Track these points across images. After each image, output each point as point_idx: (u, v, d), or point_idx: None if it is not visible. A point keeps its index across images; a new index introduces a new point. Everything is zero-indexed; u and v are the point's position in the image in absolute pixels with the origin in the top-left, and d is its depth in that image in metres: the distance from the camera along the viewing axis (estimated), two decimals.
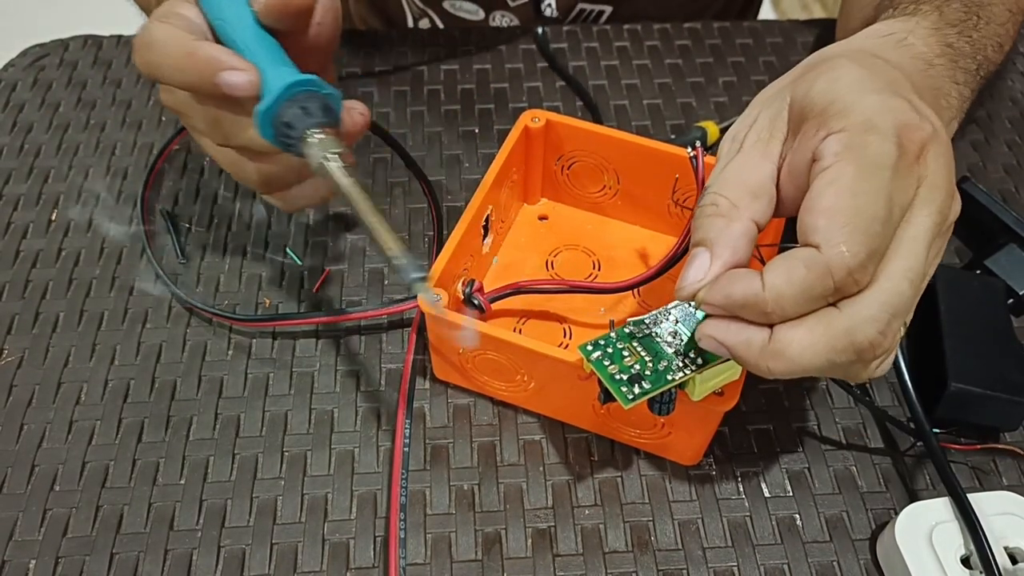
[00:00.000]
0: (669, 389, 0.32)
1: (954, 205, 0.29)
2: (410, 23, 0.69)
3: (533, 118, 0.43)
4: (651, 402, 0.32)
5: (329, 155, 0.32)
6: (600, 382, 0.32)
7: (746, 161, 0.30)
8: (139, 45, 0.33)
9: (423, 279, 0.31)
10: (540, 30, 0.58)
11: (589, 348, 0.33)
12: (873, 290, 0.27)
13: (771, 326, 0.28)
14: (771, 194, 0.30)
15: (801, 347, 0.27)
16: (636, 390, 0.31)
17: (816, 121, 0.29)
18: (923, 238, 0.28)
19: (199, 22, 0.35)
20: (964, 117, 0.38)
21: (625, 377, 0.32)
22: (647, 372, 0.32)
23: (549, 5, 0.62)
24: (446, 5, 0.65)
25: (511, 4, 0.64)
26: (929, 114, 0.29)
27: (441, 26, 0.66)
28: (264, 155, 0.35)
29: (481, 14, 0.65)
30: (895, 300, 0.27)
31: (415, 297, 0.37)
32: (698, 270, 0.29)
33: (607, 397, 0.32)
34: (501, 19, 0.64)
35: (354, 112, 0.37)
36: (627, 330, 0.33)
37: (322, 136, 0.32)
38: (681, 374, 0.32)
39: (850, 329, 0.27)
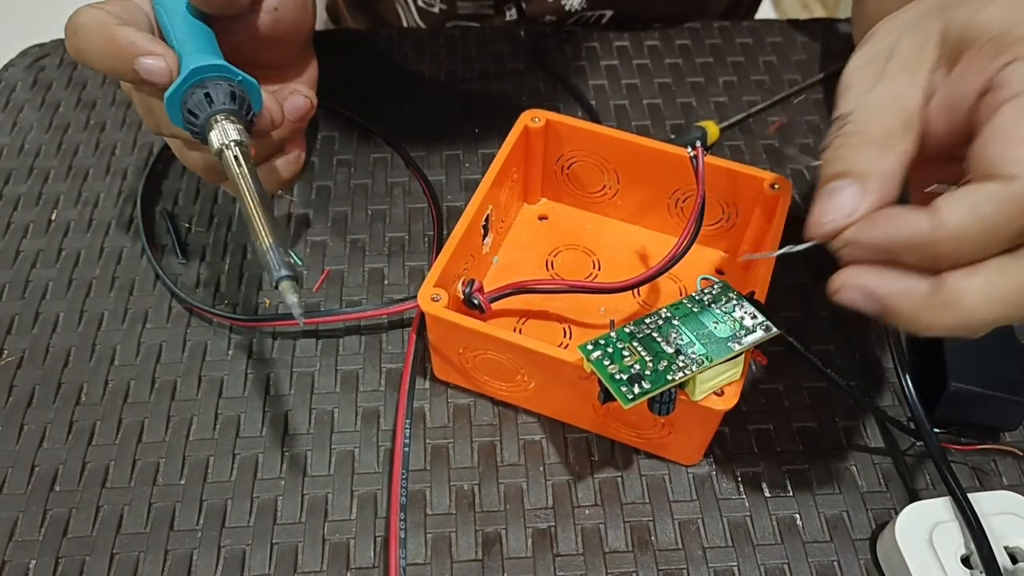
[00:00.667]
0: (669, 389, 0.32)
1: None
2: None
3: (533, 118, 0.43)
4: (651, 402, 0.32)
5: (228, 143, 0.32)
6: (600, 382, 0.32)
7: (894, 88, 0.27)
8: (67, 29, 0.33)
9: (290, 279, 0.30)
10: (522, 32, 0.58)
11: (589, 348, 0.33)
12: None
13: (934, 273, 0.24)
14: (919, 129, 0.27)
15: (979, 298, 0.24)
16: (636, 390, 0.31)
17: (991, 48, 0.25)
18: None
19: (145, 8, 0.35)
20: None
21: (625, 377, 0.32)
22: (647, 372, 0.32)
23: (551, 18, 0.62)
24: (448, 25, 0.65)
25: (507, 19, 0.63)
26: None
27: None
28: (197, 143, 0.35)
29: None
30: None
31: (415, 297, 0.37)
32: (844, 205, 0.25)
33: (607, 397, 0.32)
34: None
35: (297, 96, 0.37)
36: (627, 330, 0.33)
37: (225, 123, 0.32)
38: (681, 374, 0.32)
39: None
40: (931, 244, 0.24)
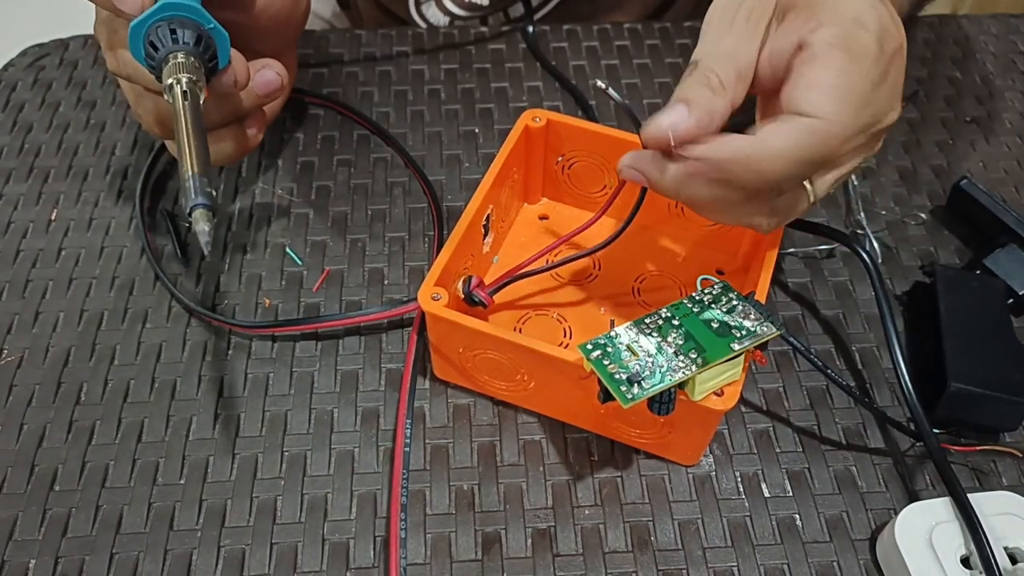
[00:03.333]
0: (669, 389, 0.32)
1: (893, 115, 0.33)
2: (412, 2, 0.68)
3: (534, 118, 0.43)
4: (651, 402, 0.32)
5: (180, 77, 0.31)
6: (600, 381, 0.32)
7: (738, 41, 0.32)
8: None
9: (205, 207, 0.30)
10: (530, 28, 0.58)
11: (589, 347, 0.33)
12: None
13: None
14: (750, 78, 0.32)
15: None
16: (636, 390, 0.31)
17: (807, 13, 0.31)
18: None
19: None
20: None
21: (625, 376, 0.32)
22: (647, 372, 0.32)
23: None
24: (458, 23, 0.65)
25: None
26: (900, 26, 0.33)
27: None
28: (153, 91, 0.35)
29: None
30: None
31: (415, 298, 0.37)
32: (670, 118, 0.31)
33: (607, 397, 0.32)
34: None
35: (268, 71, 0.37)
36: (627, 329, 0.33)
37: (182, 61, 0.32)
38: (681, 374, 0.32)
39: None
40: (751, 160, 0.30)
